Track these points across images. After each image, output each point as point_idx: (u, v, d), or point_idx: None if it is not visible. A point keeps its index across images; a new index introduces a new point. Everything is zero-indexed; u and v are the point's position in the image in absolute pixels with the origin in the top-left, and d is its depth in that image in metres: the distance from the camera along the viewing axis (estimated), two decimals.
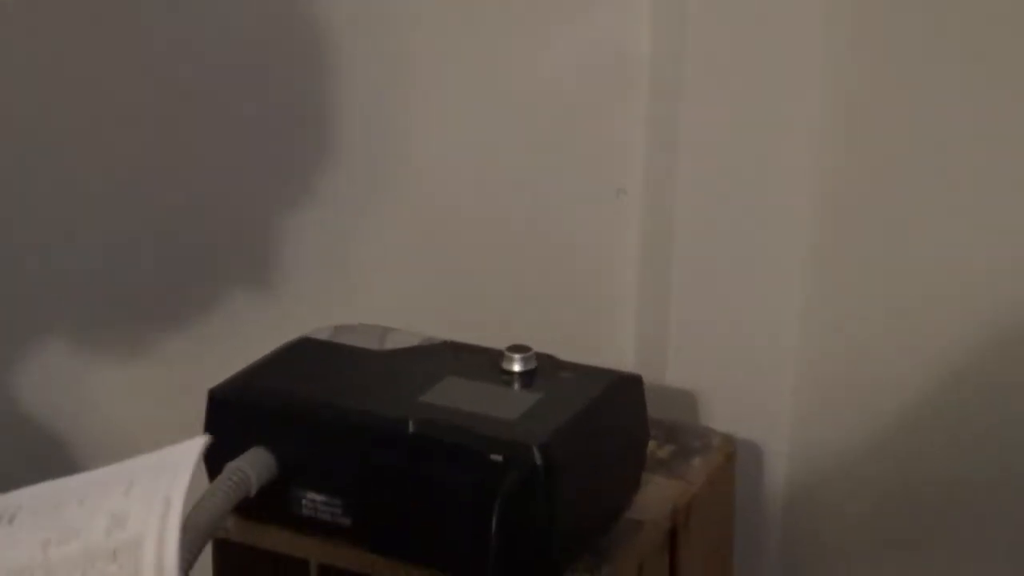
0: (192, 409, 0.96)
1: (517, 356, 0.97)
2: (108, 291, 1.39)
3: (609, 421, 0.95)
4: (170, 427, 1.11)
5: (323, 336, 1.04)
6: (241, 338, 1.01)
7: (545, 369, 0.97)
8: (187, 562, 0.70)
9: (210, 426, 0.96)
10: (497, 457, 0.86)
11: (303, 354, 1.02)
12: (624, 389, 0.97)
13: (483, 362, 0.98)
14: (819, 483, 1.17)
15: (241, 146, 1.29)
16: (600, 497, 0.95)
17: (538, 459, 0.85)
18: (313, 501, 0.94)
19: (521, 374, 0.96)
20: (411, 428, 0.89)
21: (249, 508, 0.88)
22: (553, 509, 0.86)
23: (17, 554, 0.65)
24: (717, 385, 1.18)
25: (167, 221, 1.35)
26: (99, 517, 0.66)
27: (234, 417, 0.95)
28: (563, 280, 1.20)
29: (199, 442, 0.69)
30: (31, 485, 0.71)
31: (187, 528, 0.71)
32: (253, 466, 0.91)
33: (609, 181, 1.17)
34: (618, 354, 1.17)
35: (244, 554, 0.98)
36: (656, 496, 1.01)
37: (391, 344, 1.02)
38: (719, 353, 1.18)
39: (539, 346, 0.99)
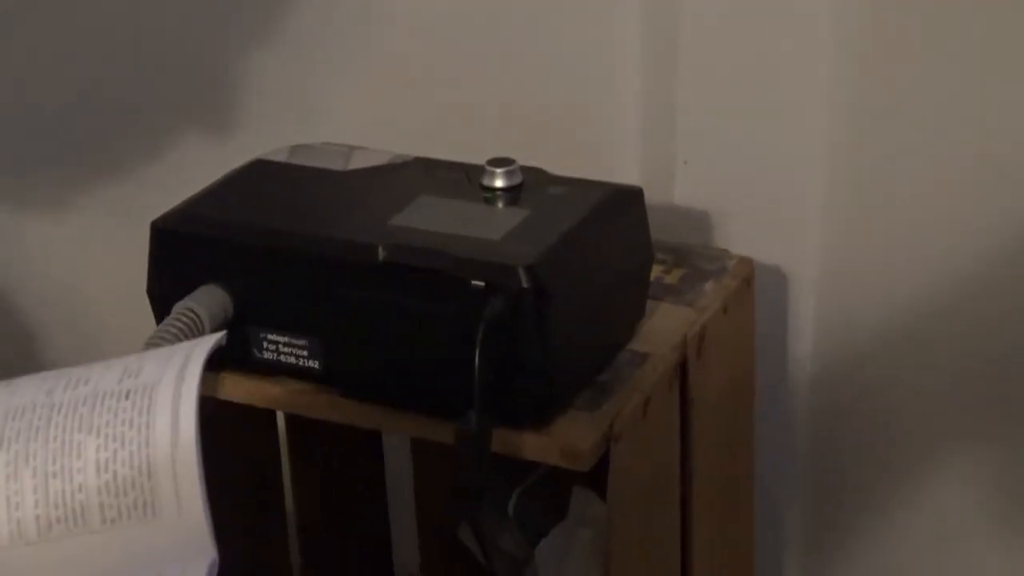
0: (143, 257, 0.97)
1: (499, 170, 0.96)
2: (46, 138, 1.38)
3: (606, 239, 0.94)
4: (121, 275, 1.12)
5: (279, 158, 1.03)
6: (194, 183, 1.01)
7: (532, 184, 0.97)
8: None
9: (155, 264, 0.96)
10: (479, 282, 0.86)
11: (257, 178, 1.01)
12: (623, 203, 0.97)
13: (461, 179, 0.98)
14: (853, 312, 1.17)
15: None
16: (598, 326, 0.95)
17: (525, 282, 0.85)
18: (275, 343, 0.94)
19: (505, 190, 0.96)
20: (381, 254, 0.89)
21: None
22: (544, 338, 0.87)
23: (19, 398, 0.66)
24: (733, 204, 1.18)
25: (109, 63, 1.32)
26: (113, 370, 0.67)
27: (180, 251, 0.95)
28: (554, 89, 1.19)
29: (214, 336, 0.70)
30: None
31: None
32: (205, 305, 0.92)
33: None
34: (619, 172, 1.16)
35: (199, 407, 0.98)
36: (663, 325, 1.01)
37: (356, 163, 1.01)
38: (734, 167, 1.17)
39: (527, 164, 0.98)
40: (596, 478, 0.95)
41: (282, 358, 0.94)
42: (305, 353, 0.93)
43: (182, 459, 0.63)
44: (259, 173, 1.02)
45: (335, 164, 1.01)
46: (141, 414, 0.64)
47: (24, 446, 0.64)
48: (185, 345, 0.69)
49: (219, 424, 0.98)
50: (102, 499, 0.63)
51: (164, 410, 0.64)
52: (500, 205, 0.95)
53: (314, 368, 0.94)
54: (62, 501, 0.63)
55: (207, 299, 0.92)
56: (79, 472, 0.63)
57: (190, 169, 1.08)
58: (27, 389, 0.67)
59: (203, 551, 0.62)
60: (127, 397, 0.65)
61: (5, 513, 0.63)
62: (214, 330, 0.91)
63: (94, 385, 0.66)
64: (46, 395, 0.66)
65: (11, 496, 0.63)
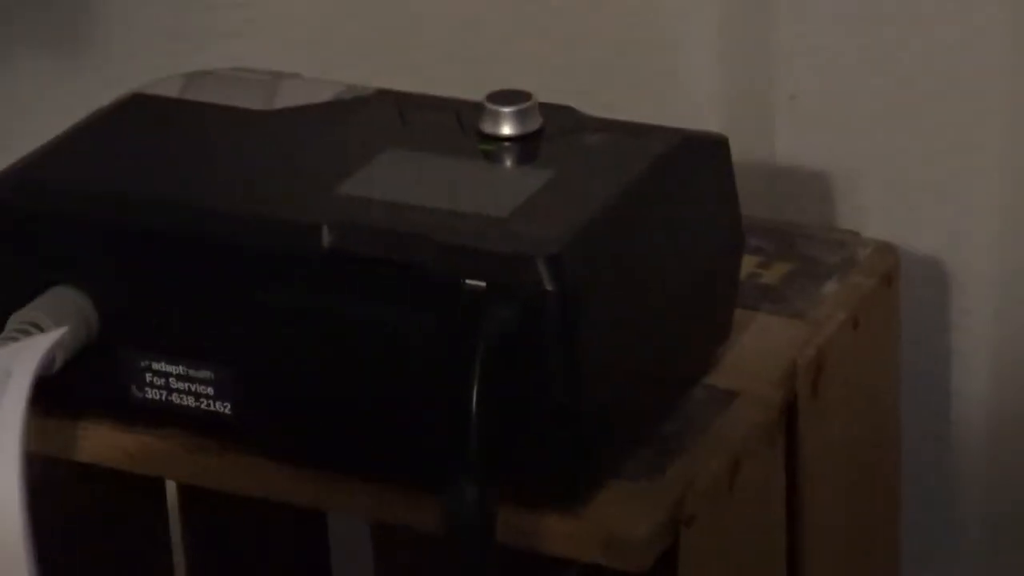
0: None
1: (507, 109, 0.96)
2: None
3: (669, 216, 0.94)
4: None
5: (168, 91, 1.03)
6: (42, 129, 1.02)
7: (557, 130, 0.97)
8: None
9: None
10: (477, 283, 0.85)
11: (133, 122, 1.02)
12: (696, 159, 0.96)
13: (449, 123, 0.98)
14: None
15: None
16: (657, 349, 0.94)
17: (547, 281, 0.84)
18: (163, 375, 0.94)
19: (515, 140, 0.96)
20: (326, 240, 0.88)
21: (54, 391, 0.86)
22: (576, 367, 0.86)
23: None
24: (865, 163, 1.19)
25: None
26: None
27: (18, 235, 0.95)
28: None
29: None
30: None
31: None
32: (54, 316, 0.92)
33: None
34: (693, 114, 1.17)
35: (51, 473, 1.00)
36: (760, 348, 1.02)
37: (286, 100, 1.02)
38: (867, 104, 1.18)
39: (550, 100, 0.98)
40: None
41: (174, 398, 0.94)
42: (210, 391, 0.93)
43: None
44: (137, 115, 1.02)
45: (253, 101, 1.01)
46: None
47: None
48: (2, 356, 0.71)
49: (79, 498, 0.99)
50: None
51: None
52: (508, 163, 0.96)
53: (223, 413, 0.93)
54: None
55: (58, 307, 0.92)
56: None
57: (37, 107, 1.08)
58: None
59: None
60: None
61: None
62: (73, 354, 0.92)
63: None
64: None
65: None
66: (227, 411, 0.93)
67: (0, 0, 1.32)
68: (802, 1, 1.16)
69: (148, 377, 0.94)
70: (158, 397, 0.94)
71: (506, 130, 0.96)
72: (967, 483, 1.23)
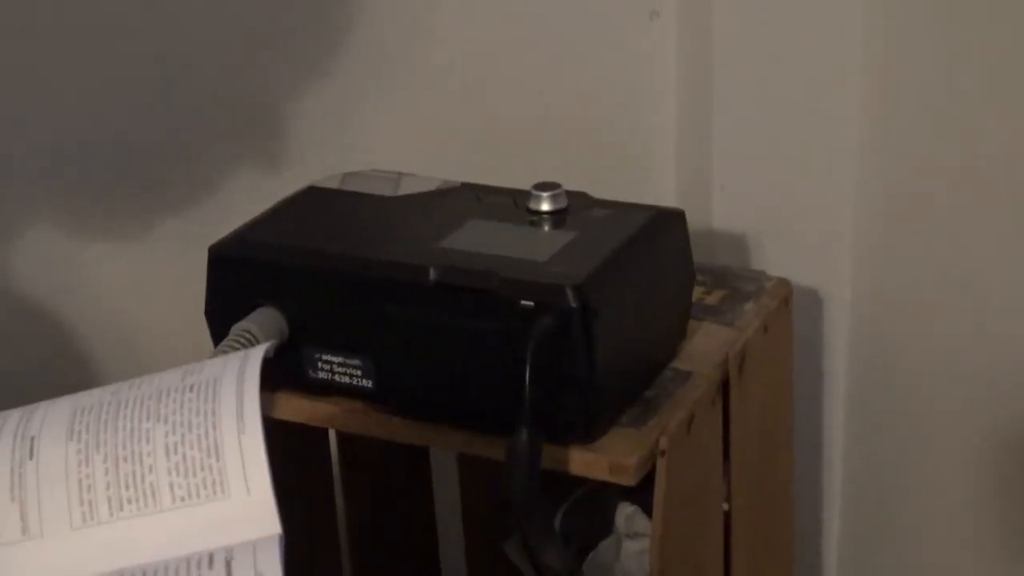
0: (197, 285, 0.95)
1: (545, 194, 0.95)
2: (105, 169, 1.36)
3: (650, 260, 0.93)
4: (176, 303, 1.10)
5: (331, 184, 1.02)
6: (248, 212, 1.00)
7: (577, 207, 0.95)
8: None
9: (212, 288, 0.95)
10: (528, 302, 0.84)
11: (310, 204, 1.00)
12: (665, 225, 0.95)
13: (508, 203, 0.97)
14: (886, 330, 1.16)
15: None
16: (643, 344, 0.93)
17: (572, 301, 0.84)
18: (329, 363, 0.93)
19: (550, 213, 0.95)
20: (432, 275, 0.88)
21: (263, 374, 0.85)
22: (592, 356, 0.85)
23: (86, 398, 0.66)
24: (768, 226, 1.17)
25: (162, 99, 1.31)
26: (173, 372, 0.67)
27: (237, 275, 0.94)
28: (594, 115, 1.18)
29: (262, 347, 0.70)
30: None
31: None
32: (261, 327, 0.91)
33: (641, 4, 1.13)
34: (658, 196, 1.15)
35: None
36: (705, 345, 0.99)
37: (406, 189, 1.00)
38: (770, 191, 1.16)
39: (571, 187, 0.97)
40: (640, 494, 0.94)
41: (336, 378, 0.93)
42: (359, 372, 0.92)
43: (249, 439, 0.63)
44: (311, 200, 1.00)
45: (385, 190, 1.00)
46: (206, 402, 0.64)
47: (94, 436, 0.64)
48: (240, 352, 0.69)
49: (273, 444, 0.99)
50: (172, 479, 0.63)
51: (229, 397, 0.64)
52: (546, 228, 0.94)
53: (367, 387, 0.92)
54: (133, 482, 0.63)
55: (263, 320, 0.91)
56: (148, 455, 0.63)
57: (244, 199, 1.07)
58: (94, 393, 0.68)
59: (271, 528, 0.62)
60: (191, 390, 0.65)
61: (77, 495, 0.63)
62: (272, 350, 0.88)
63: (158, 383, 0.67)
64: (112, 395, 0.66)
65: (83, 479, 0.63)
66: (370, 386, 0.92)
67: (209, 107, 1.27)
68: (731, 127, 1.14)
69: (319, 364, 0.93)
70: (326, 377, 0.93)
71: (545, 207, 0.95)
72: (834, 431, 1.21)
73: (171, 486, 0.63)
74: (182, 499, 0.63)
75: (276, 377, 0.93)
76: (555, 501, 1.03)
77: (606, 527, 1.02)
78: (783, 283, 1.08)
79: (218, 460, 0.63)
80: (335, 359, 0.92)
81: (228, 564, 0.61)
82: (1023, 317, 1.04)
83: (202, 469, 0.63)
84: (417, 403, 0.92)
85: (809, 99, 1.11)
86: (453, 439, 0.92)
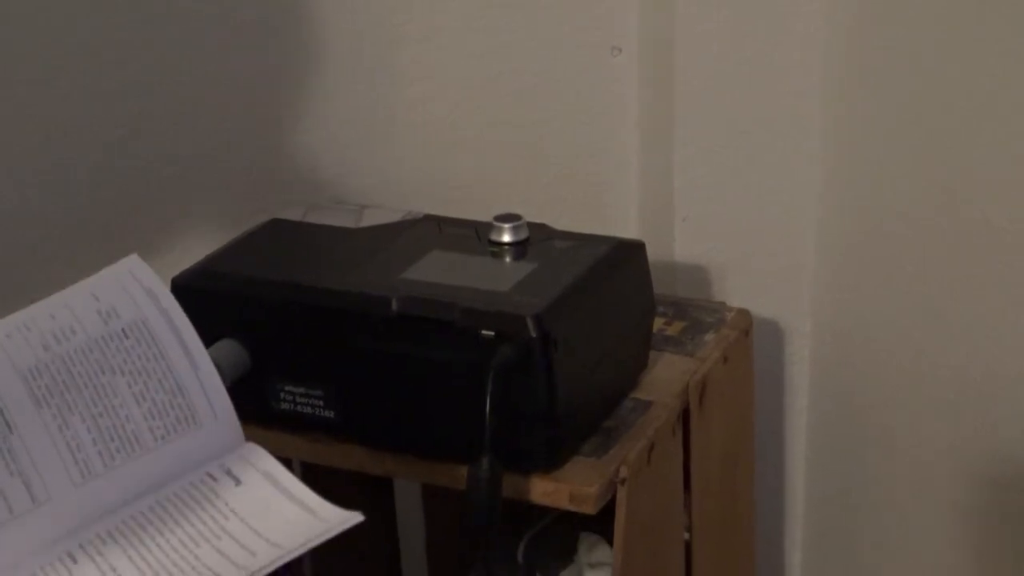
0: None
1: (507, 225, 0.95)
2: (74, 205, 1.35)
3: (610, 290, 0.93)
4: None
5: (294, 216, 1.02)
6: (212, 243, 1.00)
7: (538, 239, 0.96)
8: None
9: None
10: (488, 332, 0.85)
11: (273, 236, 1.00)
12: (626, 256, 0.96)
13: (470, 234, 0.97)
14: (846, 361, 1.16)
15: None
16: (603, 374, 0.93)
17: (533, 331, 0.84)
18: (291, 394, 0.93)
19: (512, 244, 0.95)
20: (394, 306, 0.88)
21: None
22: (552, 385, 0.85)
23: (21, 359, 0.71)
24: (729, 259, 1.17)
25: (135, 136, 1.29)
26: (87, 315, 0.73)
27: (198, 307, 0.89)
28: (556, 147, 1.18)
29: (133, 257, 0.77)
30: None
31: None
32: (223, 359, 0.89)
33: (603, 40, 1.14)
34: (620, 228, 1.16)
35: None
36: (666, 375, 1.00)
37: (368, 221, 1.00)
38: (731, 224, 1.16)
39: (532, 219, 0.97)
40: (601, 524, 0.94)
41: (299, 408, 0.93)
42: (321, 403, 0.92)
43: (203, 372, 0.73)
44: (274, 231, 1.01)
45: (348, 222, 1.00)
46: (149, 345, 0.73)
47: (60, 398, 0.71)
48: (127, 275, 0.75)
49: None
50: (149, 423, 0.72)
51: (167, 335, 0.73)
52: (507, 259, 0.95)
53: (330, 418, 0.92)
54: (115, 434, 0.71)
55: (225, 353, 0.90)
56: (121, 407, 0.71)
57: (207, 231, 1.07)
58: (18, 349, 0.72)
59: (236, 443, 0.74)
60: (126, 336, 0.73)
61: (70, 456, 0.70)
62: (233, 382, 0.89)
63: (84, 333, 0.72)
64: (44, 351, 0.72)
65: (69, 442, 0.70)
66: (333, 416, 0.92)
67: (172, 143, 1.24)
68: (692, 160, 1.14)
69: (282, 395, 0.93)
70: (289, 408, 0.93)
71: (506, 238, 0.95)
72: (795, 461, 1.20)
73: (150, 429, 0.72)
74: (163, 437, 0.72)
75: (238, 408, 0.91)
76: (518, 531, 1.03)
77: (568, 556, 1.02)
78: (743, 314, 1.09)
79: (184, 397, 0.73)
80: (297, 390, 0.92)
81: (228, 471, 0.72)
82: (980, 348, 1.05)
83: (172, 408, 0.72)
84: (380, 433, 0.92)
85: (770, 132, 1.11)
86: (416, 469, 0.92)
